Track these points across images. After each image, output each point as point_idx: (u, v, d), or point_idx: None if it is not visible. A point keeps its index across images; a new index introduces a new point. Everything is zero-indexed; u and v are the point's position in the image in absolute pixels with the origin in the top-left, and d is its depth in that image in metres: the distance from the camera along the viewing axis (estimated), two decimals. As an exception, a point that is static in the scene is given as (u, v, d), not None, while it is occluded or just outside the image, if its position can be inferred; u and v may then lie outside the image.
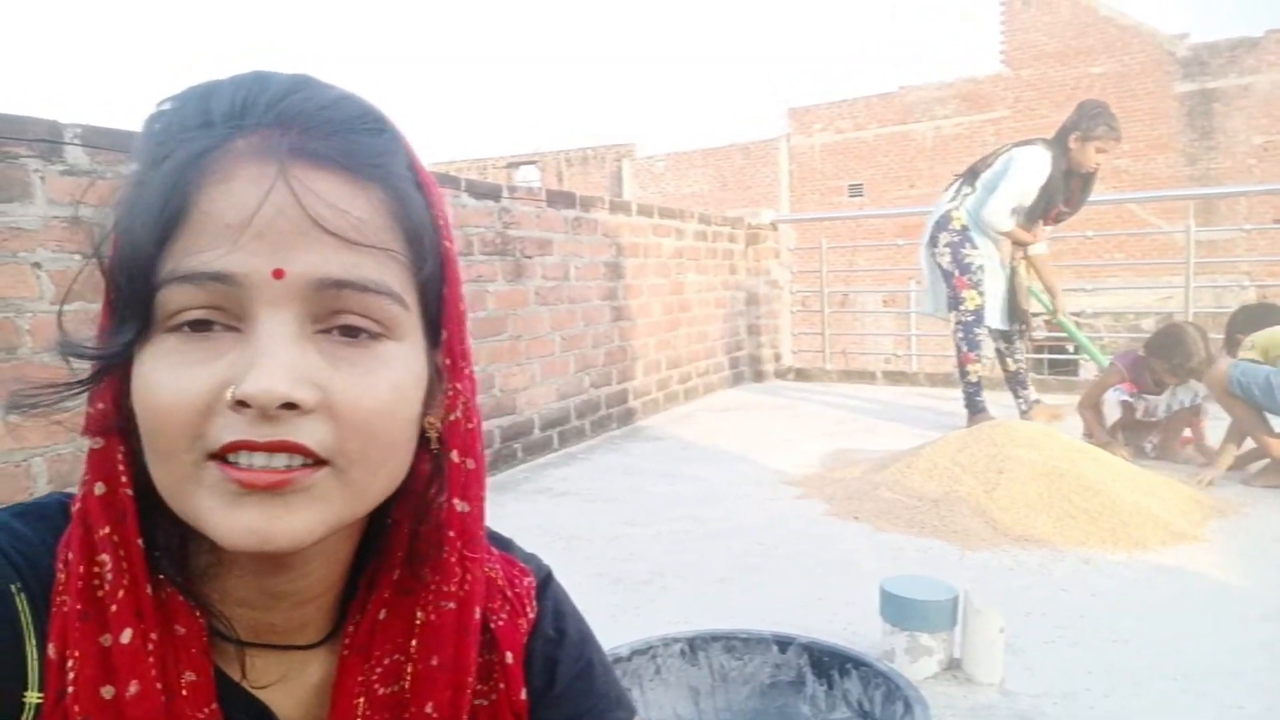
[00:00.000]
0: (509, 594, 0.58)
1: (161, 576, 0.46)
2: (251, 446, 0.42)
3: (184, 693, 0.45)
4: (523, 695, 0.56)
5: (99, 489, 0.45)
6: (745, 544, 2.67)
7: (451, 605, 0.51)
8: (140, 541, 0.45)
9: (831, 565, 2.47)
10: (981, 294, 3.98)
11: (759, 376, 6.10)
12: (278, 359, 0.41)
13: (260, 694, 0.50)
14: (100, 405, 0.46)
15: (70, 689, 0.43)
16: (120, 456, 0.46)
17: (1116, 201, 13.49)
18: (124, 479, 0.46)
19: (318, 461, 0.44)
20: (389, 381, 0.45)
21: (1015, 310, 4.06)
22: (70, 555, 0.45)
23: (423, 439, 0.51)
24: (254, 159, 0.43)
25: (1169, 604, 2.14)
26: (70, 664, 0.43)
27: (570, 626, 0.62)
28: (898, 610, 1.83)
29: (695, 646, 1.67)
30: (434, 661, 0.51)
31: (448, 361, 0.51)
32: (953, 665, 1.83)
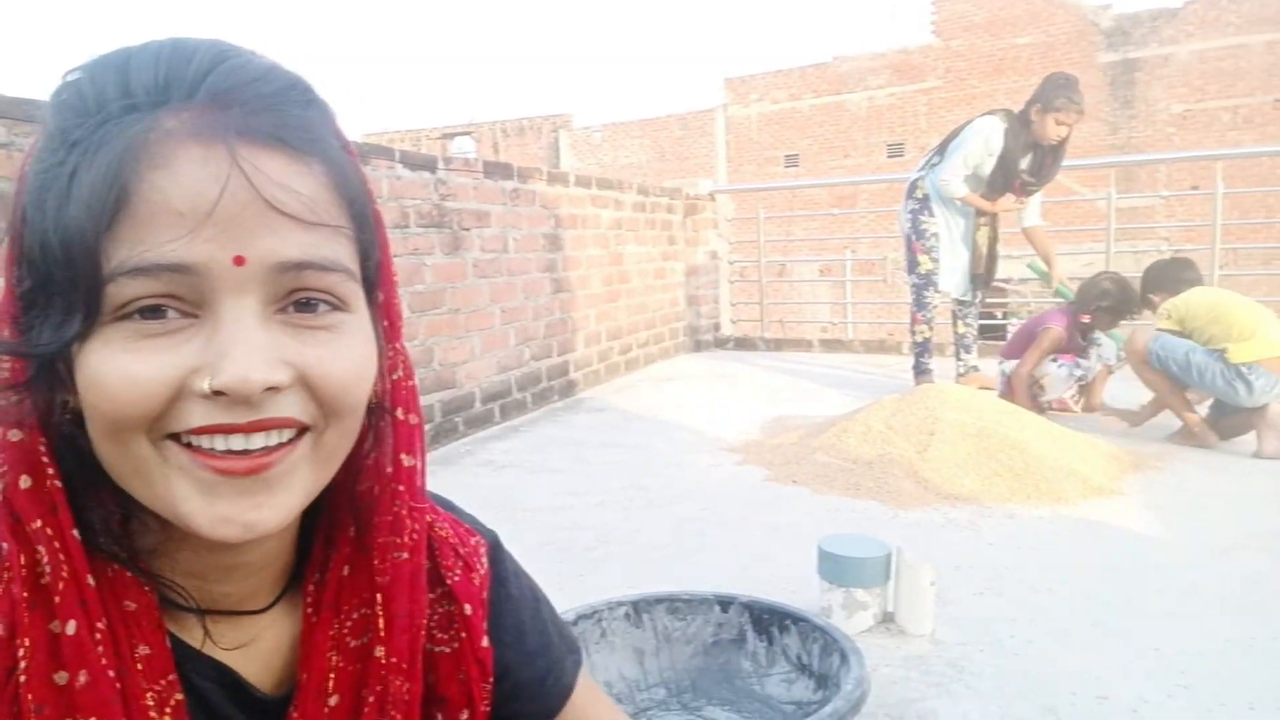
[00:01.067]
0: (461, 551, 0.59)
1: (107, 556, 0.46)
2: (231, 429, 0.42)
3: (139, 666, 0.45)
4: (484, 643, 0.58)
5: (24, 482, 0.44)
6: (688, 511, 2.72)
7: (405, 555, 0.53)
8: (75, 532, 0.44)
9: (771, 529, 2.53)
10: (935, 260, 4.09)
11: (698, 346, 6.16)
12: (250, 346, 0.42)
13: (222, 658, 0.50)
14: (15, 396, 0.45)
15: (23, 677, 0.43)
16: (43, 448, 0.45)
17: (1171, 160, 13.66)
18: (50, 470, 0.45)
19: (300, 431, 0.45)
20: (353, 351, 0.46)
21: (974, 278, 4.18)
22: (4, 545, 0.44)
23: None
24: (195, 141, 0.41)
25: (1089, 555, 2.25)
26: (21, 652, 0.43)
27: (525, 585, 0.65)
28: (834, 568, 1.89)
29: (639, 609, 1.71)
30: (392, 608, 0.53)
31: (385, 323, 0.52)
32: (887, 618, 1.90)
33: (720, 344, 6.22)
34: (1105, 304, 3.76)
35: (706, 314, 6.21)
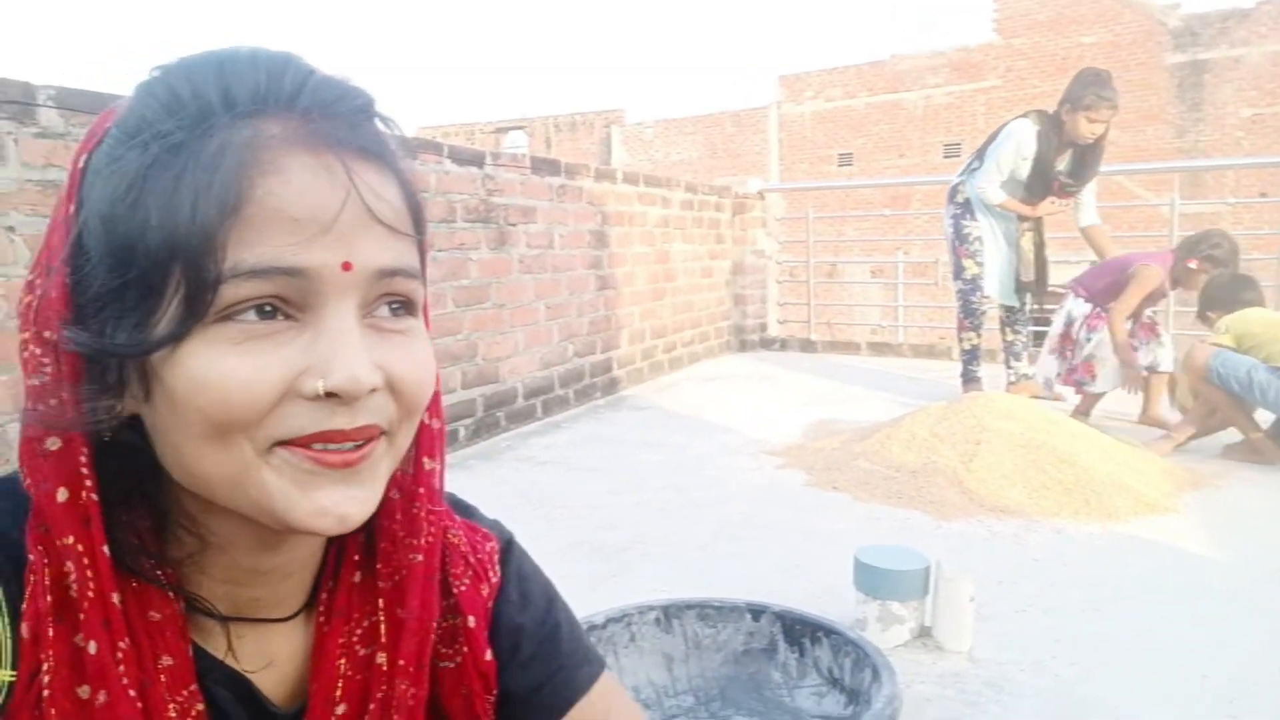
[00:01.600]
0: (471, 560, 0.59)
1: (133, 571, 0.46)
2: (343, 435, 0.44)
3: (162, 678, 0.46)
4: (487, 656, 0.58)
5: (61, 495, 0.44)
6: (725, 513, 2.70)
7: (419, 558, 0.53)
8: (105, 548, 0.44)
9: (809, 535, 2.49)
10: (980, 264, 4.02)
11: (744, 346, 6.11)
12: (358, 350, 0.43)
13: (240, 668, 0.51)
14: (55, 400, 0.44)
15: (46, 691, 0.43)
16: (83, 458, 0.44)
17: (1104, 174, 13.48)
18: (88, 481, 0.44)
19: (381, 433, 0.47)
20: (424, 352, 0.49)
21: (1017, 284, 4.08)
22: (30, 557, 0.44)
23: None
24: (303, 149, 0.43)
25: (1139, 574, 2.18)
26: (45, 666, 0.43)
27: (534, 590, 0.63)
28: (870, 579, 1.86)
29: (670, 614, 1.69)
30: (399, 613, 0.53)
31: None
32: (923, 633, 1.86)
33: (766, 344, 6.17)
34: (1218, 253, 3.52)
35: (753, 314, 6.16)
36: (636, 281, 4.83)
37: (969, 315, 4.12)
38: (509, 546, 0.64)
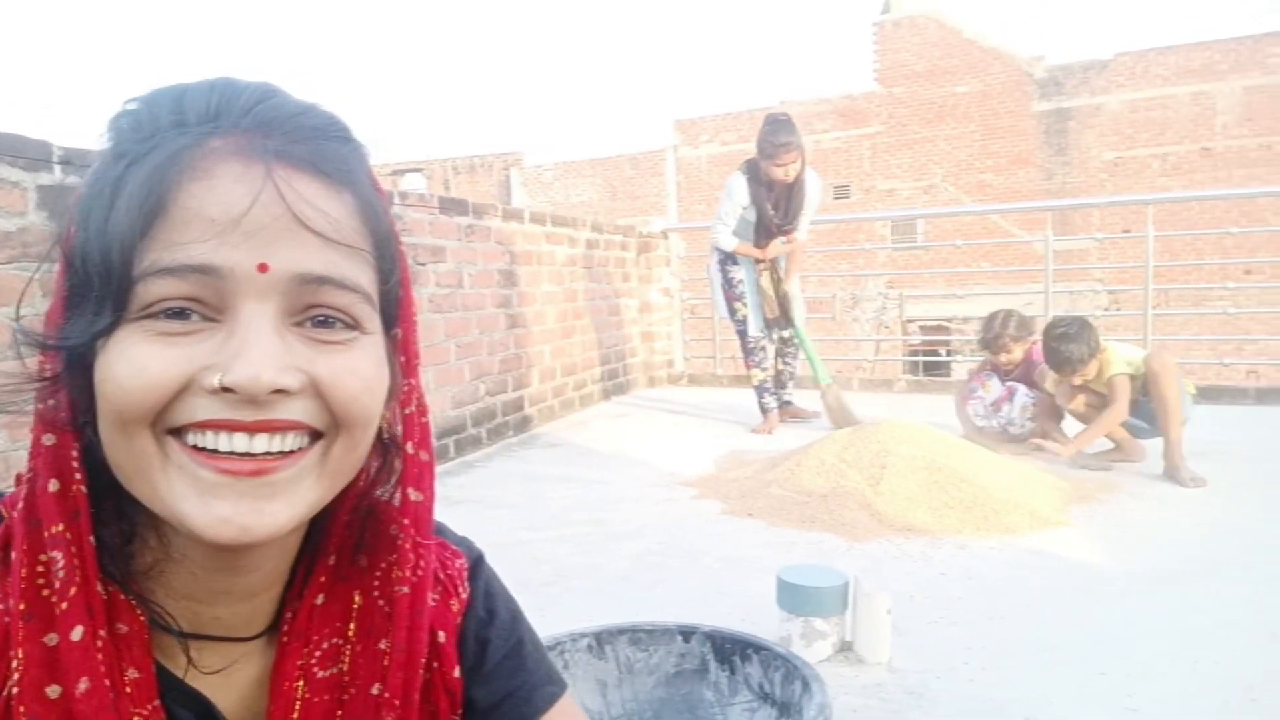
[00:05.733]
0: (440, 576, 0.60)
1: (105, 576, 0.46)
2: (234, 427, 0.43)
3: (128, 690, 0.46)
4: (456, 673, 0.58)
5: (53, 485, 0.45)
6: (645, 544, 2.73)
7: (406, 590, 0.53)
8: (92, 539, 0.45)
9: (729, 561, 2.55)
10: (745, 305, 4.42)
11: (652, 383, 6.19)
12: (264, 348, 0.43)
13: (201, 686, 0.50)
14: (52, 401, 0.46)
15: (15, 689, 0.43)
16: (74, 454, 0.46)
17: (980, 213, 14.31)
18: (78, 475, 0.46)
19: (311, 439, 0.46)
20: (365, 368, 0.48)
21: (767, 321, 4.47)
22: (12, 554, 0.45)
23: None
24: (235, 158, 0.44)
25: (1038, 583, 2.31)
26: (15, 664, 0.43)
27: (500, 607, 0.64)
28: (793, 597, 1.92)
29: (602, 640, 1.71)
30: (381, 645, 0.52)
31: (402, 358, 0.53)
32: (845, 647, 1.93)
33: (674, 380, 6.27)
34: (1018, 331, 3.93)
35: (660, 350, 6.25)
36: (546, 320, 4.86)
37: (749, 354, 4.51)
38: (478, 563, 0.65)
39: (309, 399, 0.45)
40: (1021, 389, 3.89)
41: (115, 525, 0.47)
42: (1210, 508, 2.94)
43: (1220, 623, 2.02)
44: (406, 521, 0.53)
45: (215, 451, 0.44)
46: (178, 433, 0.44)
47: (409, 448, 0.54)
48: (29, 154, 2.19)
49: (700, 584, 2.37)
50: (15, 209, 2.14)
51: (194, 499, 0.43)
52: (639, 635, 1.72)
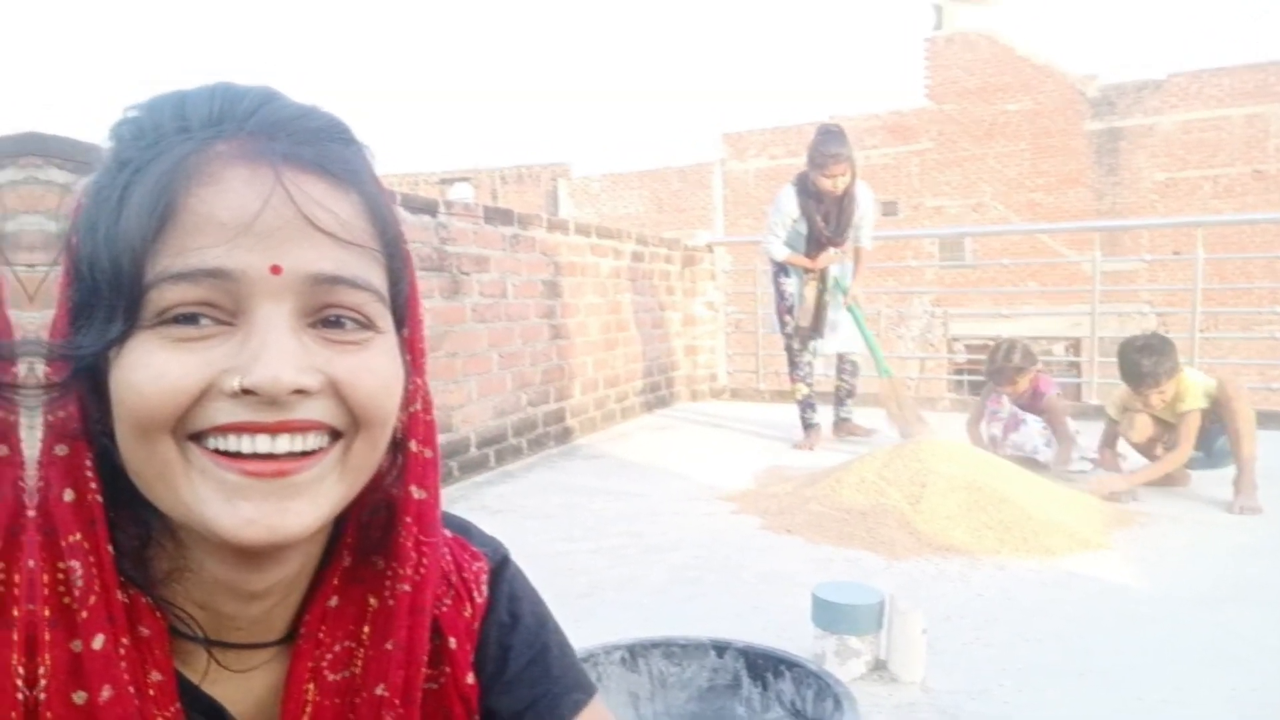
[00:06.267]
0: (454, 579, 0.59)
1: (125, 580, 0.47)
2: (256, 428, 0.44)
3: (150, 693, 0.46)
4: (469, 679, 0.57)
5: (68, 495, 0.45)
6: (683, 558, 2.75)
7: (406, 588, 0.52)
8: (110, 547, 0.45)
9: (766, 576, 2.56)
10: (794, 318, 4.44)
11: (695, 396, 6.21)
12: (282, 349, 0.44)
13: (215, 692, 0.51)
14: (63, 412, 0.46)
15: (43, 695, 0.43)
16: (88, 462, 0.46)
17: (1028, 232, 14.14)
18: (93, 484, 0.46)
19: (331, 438, 0.47)
20: (381, 366, 0.48)
21: (799, 329, 4.50)
22: (30, 562, 0.45)
23: None
24: (243, 161, 0.45)
25: (1077, 606, 2.29)
26: (43, 670, 0.43)
27: (525, 610, 0.63)
28: (827, 615, 1.93)
29: (635, 653, 1.74)
30: (388, 645, 0.52)
31: (408, 357, 0.53)
32: (879, 666, 1.93)
33: (716, 394, 6.28)
34: (1024, 360, 3.93)
35: (703, 364, 6.28)
36: (589, 331, 4.91)
37: (795, 368, 4.54)
38: (502, 565, 0.63)
39: (328, 398, 0.46)
40: (1030, 418, 3.85)
41: (132, 530, 0.48)
42: (1253, 534, 2.88)
43: (1261, 650, 1.98)
44: (409, 519, 0.53)
45: (238, 454, 0.44)
46: (198, 438, 0.45)
47: (413, 445, 0.53)
48: (78, 157, 2.23)
49: (736, 599, 2.39)
50: (64, 212, 2.22)
51: (219, 502, 0.44)
52: (672, 649, 1.74)
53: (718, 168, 18.99)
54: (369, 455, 0.49)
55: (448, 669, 0.56)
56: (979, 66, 16.53)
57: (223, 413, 0.43)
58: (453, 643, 0.57)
